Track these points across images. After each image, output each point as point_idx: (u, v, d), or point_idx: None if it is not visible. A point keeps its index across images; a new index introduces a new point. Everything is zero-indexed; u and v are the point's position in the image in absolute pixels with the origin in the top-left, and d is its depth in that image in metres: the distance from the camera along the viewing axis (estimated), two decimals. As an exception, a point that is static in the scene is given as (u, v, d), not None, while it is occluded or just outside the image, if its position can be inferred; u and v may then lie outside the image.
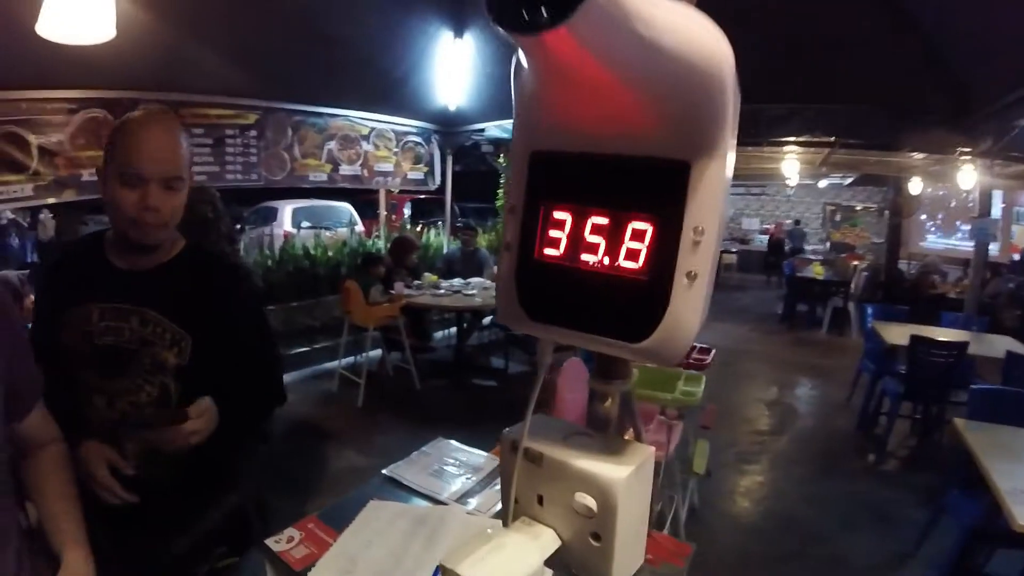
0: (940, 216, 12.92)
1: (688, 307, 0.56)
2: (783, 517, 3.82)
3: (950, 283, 8.93)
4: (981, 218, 6.39)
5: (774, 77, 4.20)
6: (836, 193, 15.72)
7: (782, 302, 10.54)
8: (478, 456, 1.78)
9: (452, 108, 6.12)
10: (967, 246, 10.20)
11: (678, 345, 0.57)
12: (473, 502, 1.54)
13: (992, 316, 6.35)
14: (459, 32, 5.20)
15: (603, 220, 0.59)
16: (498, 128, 6.78)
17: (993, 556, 2.97)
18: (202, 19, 4.09)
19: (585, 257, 0.60)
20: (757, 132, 5.60)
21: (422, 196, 13.67)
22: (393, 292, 5.60)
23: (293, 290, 6.73)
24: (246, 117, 5.52)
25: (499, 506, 1.51)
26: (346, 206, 13.06)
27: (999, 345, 4.93)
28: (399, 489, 1.60)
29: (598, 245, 0.59)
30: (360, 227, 11.58)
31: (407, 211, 13.91)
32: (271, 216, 11.58)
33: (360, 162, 6.56)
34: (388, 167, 6.86)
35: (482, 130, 7.00)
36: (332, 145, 6.23)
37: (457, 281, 6.28)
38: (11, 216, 10.96)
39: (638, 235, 0.57)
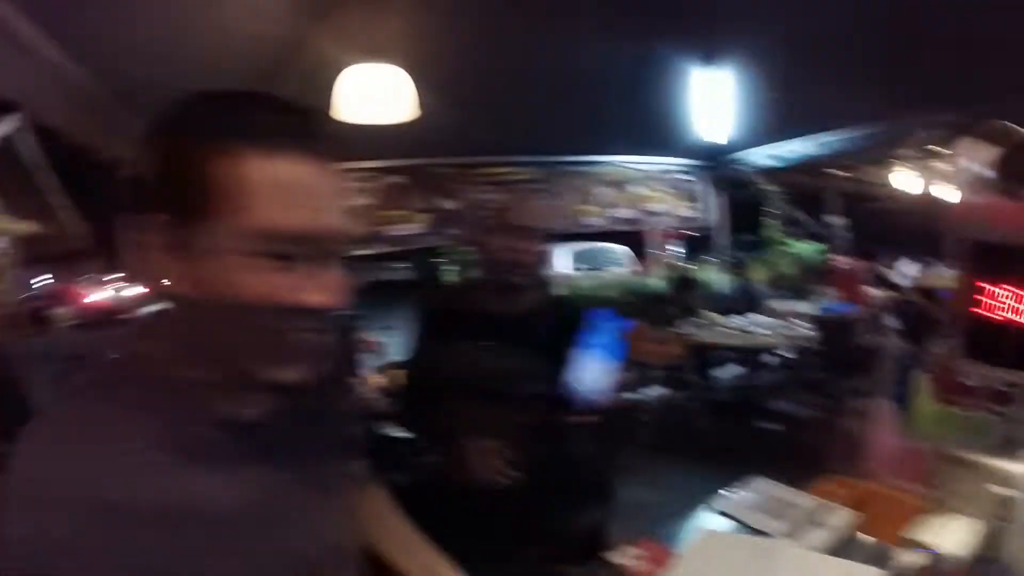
0: None
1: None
2: None
3: None
4: None
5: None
6: None
7: None
8: (799, 495, 1.74)
9: (716, 141, 6.04)
10: None
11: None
12: (800, 539, 1.51)
13: None
14: (714, 64, 5.14)
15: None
16: (766, 155, 6.54)
17: None
18: (484, 90, 4.56)
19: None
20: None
21: (689, 233, 13.53)
22: (679, 330, 5.59)
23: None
24: (527, 174, 5.99)
25: (826, 543, 1.47)
26: (623, 249, 13.34)
27: None
28: (725, 520, 1.62)
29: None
30: (637, 267, 11.73)
31: (678, 249, 13.87)
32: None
33: (632, 205, 6.71)
34: (660, 207, 6.93)
35: (750, 159, 6.80)
36: (606, 191, 6.45)
37: (738, 318, 6.09)
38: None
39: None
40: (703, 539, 1.49)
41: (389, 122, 3.30)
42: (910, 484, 2.50)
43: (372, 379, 3.80)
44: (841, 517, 1.61)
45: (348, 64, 3.23)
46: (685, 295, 6.29)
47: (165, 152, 0.67)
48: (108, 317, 19.22)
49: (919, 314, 4.73)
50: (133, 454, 0.63)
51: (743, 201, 12.56)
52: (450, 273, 7.01)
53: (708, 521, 1.62)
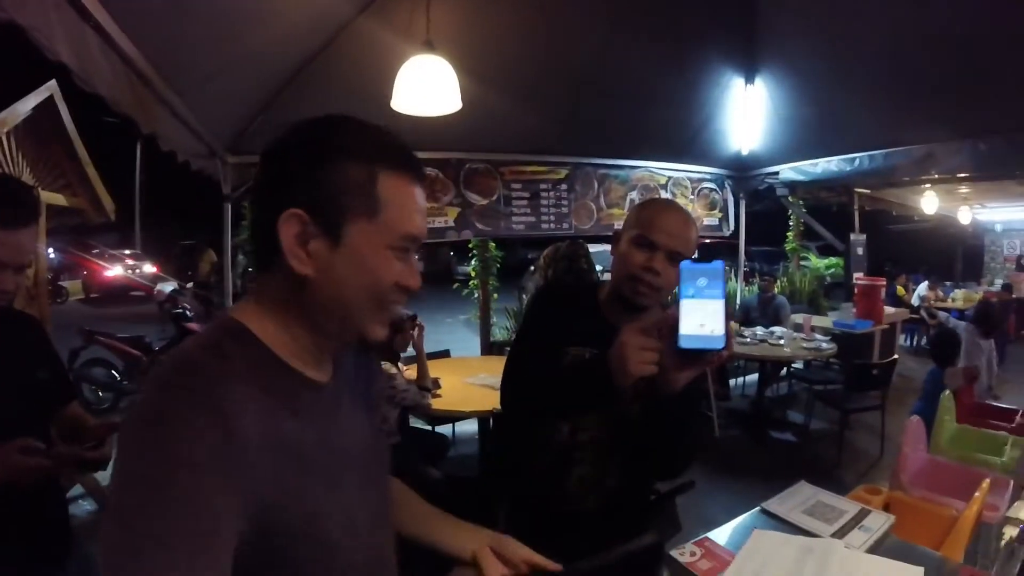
0: None
1: None
2: None
3: None
4: None
5: None
6: None
7: None
8: (841, 499, 1.81)
9: (745, 153, 6.11)
10: None
11: None
12: (844, 539, 1.57)
13: None
14: (751, 78, 5.21)
15: None
16: (793, 170, 6.57)
17: None
18: (521, 89, 4.62)
19: None
20: None
21: (709, 241, 13.57)
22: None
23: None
24: (558, 172, 6.03)
25: (868, 543, 1.54)
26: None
27: None
28: (776, 521, 1.68)
29: None
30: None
31: (696, 257, 13.87)
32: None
33: (658, 210, 6.69)
34: (685, 214, 6.91)
35: (776, 173, 6.84)
36: (634, 195, 6.49)
37: (760, 330, 6.11)
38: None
39: None
40: (757, 539, 1.55)
41: (438, 114, 3.35)
42: (936, 496, 2.57)
43: (406, 372, 3.87)
44: (880, 520, 1.67)
45: (391, 52, 3.29)
46: None
47: (337, 164, 0.85)
48: (124, 292, 19.45)
49: (943, 333, 4.77)
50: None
51: (767, 213, 12.63)
52: (470, 269, 7.03)
53: (757, 522, 1.68)
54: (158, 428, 0.71)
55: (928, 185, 8.66)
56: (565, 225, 6.05)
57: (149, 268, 20.38)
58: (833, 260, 13.59)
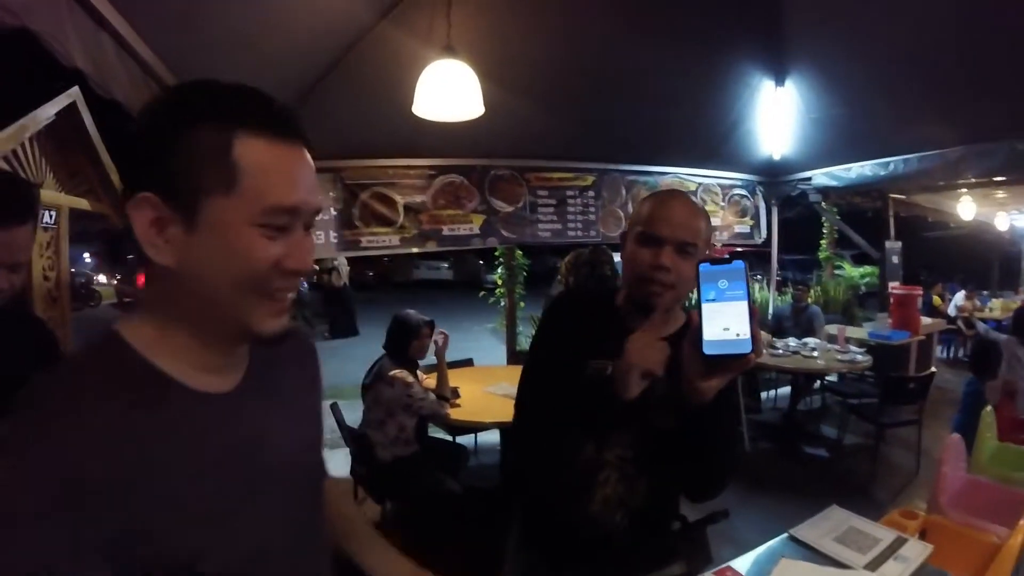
0: None
1: None
2: None
3: None
4: None
5: None
6: None
7: None
8: (875, 526, 1.70)
9: (776, 157, 5.97)
10: None
11: None
12: (878, 571, 1.47)
13: None
14: (780, 80, 5.09)
15: None
16: (826, 175, 6.42)
17: None
18: (546, 94, 4.56)
19: None
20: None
21: (740, 249, 13.37)
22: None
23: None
24: (584, 179, 5.97)
25: (907, 575, 1.44)
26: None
27: None
28: (805, 550, 1.58)
29: None
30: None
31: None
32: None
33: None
34: (715, 221, 6.82)
35: (808, 178, 6.70)
36: (661, 201, 6.36)
37: (793, 341, 5.95)
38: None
39: None
40: (784, 570, 1.46)
41: (459, 119, 3.33)
42: (976, 520, 2.44)
43: (425, 380, 3.82)
44: (916, 549, 1.57)
45: (413, 58, 3.26)
46: None
47: (185, 132, 0.72)
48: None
49: (983, 343, 4.59)
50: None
51: (799, 221, 12.41)
52: (496, 276, 6.99)
53: (785, 549, 1.59)
54: None
55: (964, 190, 8.44)
56: (592, 232, 5.98)
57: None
58: (868, 269, 13.25)
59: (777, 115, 5.35)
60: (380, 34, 3.76)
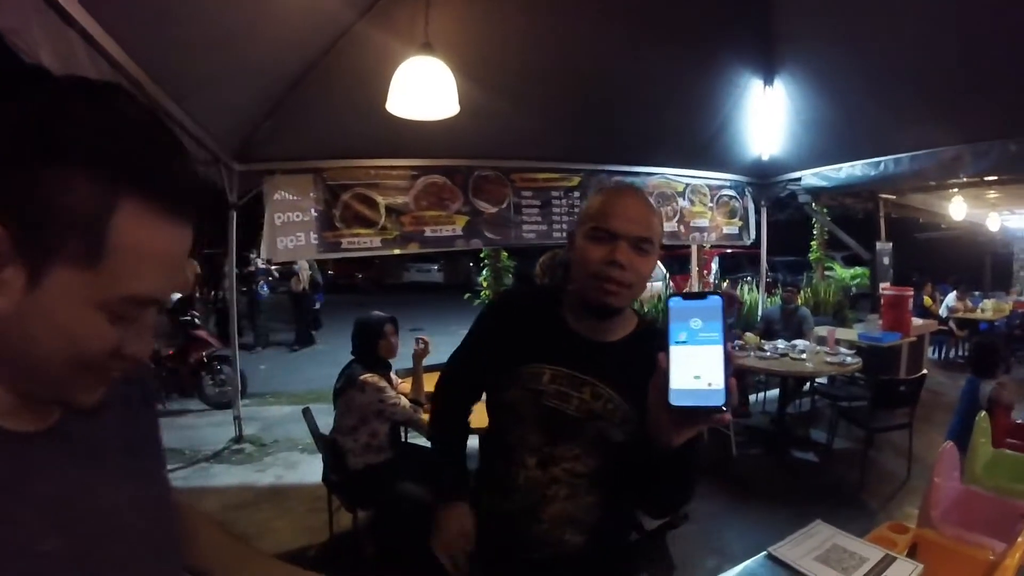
0: None
1: None
2: None
3: None
4: None
5: None
6: None
7: None
8: (861, 544, 1.60)
9: (765, 158, 5.90)
10: None
11: None
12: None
13: None
14: (769, 80, 5.02)
15: None
16: (816, 176, 6.35)
17: None
18: (529, 93, 4.47)
19: None
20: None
21: (730, 251, 13.31)
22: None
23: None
24: (570, 180, 5.91)
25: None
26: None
27: None
28: (784, 570, 1.48)
29: None
30: (671, 283, 11.53)
31: (714, 266, 13.61)
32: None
33: (676, 218, 6.59)
34: (704, 222, 6.80)
35: (798, 179, 6.63)
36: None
37: (782, 343, 5.85)
38: (262, 265, 10.80)
39: None
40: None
41: (435, 118, 3.23)
42: (970, 535, 2.34)
43: (401, 385, 3.72)
44: (905, 569, 1.46)
45: (393, 57, 3.17)
46: (727, 312, 6.11)
47: (61, 172, 0.56)
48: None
49: (984, 342, 4.48)
50: None
51: (790, 223, 12.36)
52: (482, 279, 6.91)
53: (762, 570, 1.48)
54: None
55: (956, 190, 8.40)
56: (578, 233, 5.85)
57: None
58: (859, 270, 13.22)
59: (766, 115, 5.28)
60: (360, 32, 3.69)
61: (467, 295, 7.44)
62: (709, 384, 0.96)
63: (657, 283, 10.75)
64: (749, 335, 6.09)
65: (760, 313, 7.54)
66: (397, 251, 5.43)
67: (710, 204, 6.79)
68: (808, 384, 6.36)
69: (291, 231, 5.06)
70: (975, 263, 16.56)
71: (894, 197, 9.00)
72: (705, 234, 6.90)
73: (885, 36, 4.05)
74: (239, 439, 5.55)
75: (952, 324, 9.61)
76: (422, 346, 3.63)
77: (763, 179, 6.95)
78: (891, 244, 8.43)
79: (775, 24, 4.46)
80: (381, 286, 24.13)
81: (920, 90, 4.41)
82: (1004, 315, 10.13)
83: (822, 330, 6.45)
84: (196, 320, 7.16)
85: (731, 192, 6.96)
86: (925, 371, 5.26)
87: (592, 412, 1.37)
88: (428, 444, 4.33)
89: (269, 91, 3.99)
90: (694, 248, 8.25)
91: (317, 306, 12.42)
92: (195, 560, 0.94)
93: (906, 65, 4.22)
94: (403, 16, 3.53)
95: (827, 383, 6.28)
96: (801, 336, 6.28)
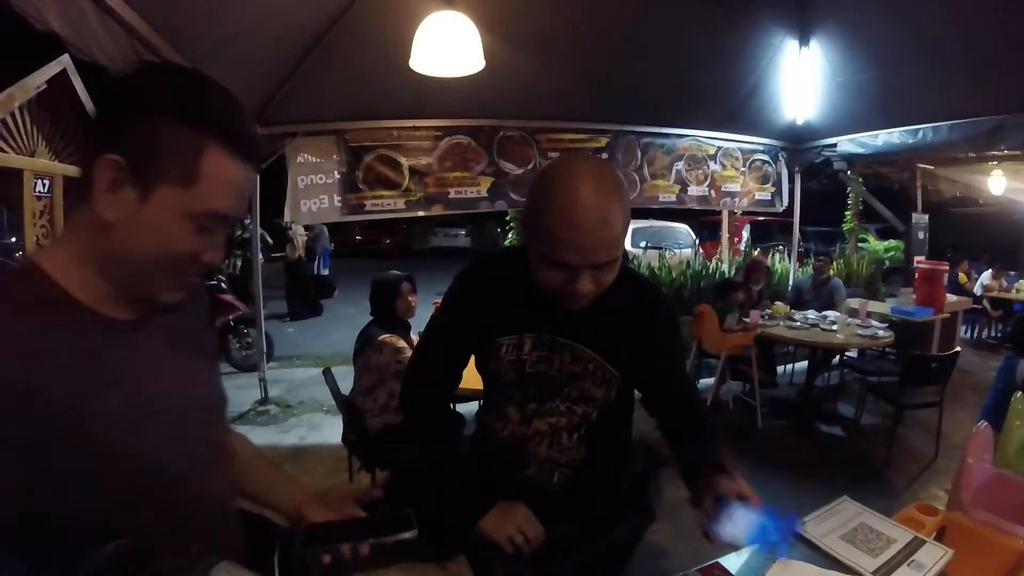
0: None
1: None
2: None
3: None
4: None
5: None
6: None
7: None
8: (889, 524, 1.52)
9: (800, 122, 5.69)
10: None
11: None
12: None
13: None
14: (805, 40, 4.81)
15: None
16: (852, 142, 6.15)
17: None
18: (555, 51, 4.33)
19: None
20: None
21: (761, 218, 13.07)
22: (748, 320, 5.34)
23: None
24: (598, 141, 5.79)
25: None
26: (685, 228, 12.99)
27: None
28: (807, 548, 1.41)
29: None
30: (700, 248, 11.36)
31: (745, 234, 13.38)
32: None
33: (707, 183, 6.45)
34: (735, 187, 6.64)
35: (833, 145, 6.43)
36: (680, 166, 6.22)
37: (812, 314, 5.73)
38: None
39: None
40: (777, 571, 1.29)
41: (459, 74, 3.14)
42: (1002, 521, 2.25)
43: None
44: (934, 554, 1.39)
45: (415, 13, 3.09)
46: (755, 278, 6.02)
47: (166, 123, 0.82)
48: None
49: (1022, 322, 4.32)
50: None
51: (824, 193, 12.08)
52: (509, 242, 6.83)
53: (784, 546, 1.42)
54: None
55: (996, 163, 8.11)
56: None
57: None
58: (893, 243, 12.96)
59: (801, 77, 5.08)
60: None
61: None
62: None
63: (686, 250, 10.59)
64: (778, 304, 5.97)
65: (791, 283, 7.38)
66: (421, 213, 5.38)
67: (742, 168, 6.62)
68: (837, 357, 6.23)
69: (314, 194, 5.03)
70: (1012, 242, 16.09)
71: (932, 168, 8.75)
72: (736, 199, 6.74)
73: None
74: (264, 401, 5.61)
75: (986, 303, 9.34)
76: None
77: (797, 144, 6.75)
78: (927, 216, 8.20)
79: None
80: (408, 251, 24.18)
81: (962, 55, 4.21)
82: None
83: (853, 302, 6.29)
84: (223, 284, 7.21)
85: (764, 157, 6.77)
86: (958, 348, 5.11)
87: (574, 374, 1.40)
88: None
89: (288, 51, 3.91)
90: (725, 214, 8.09)
91: (326, 272, 12.10)
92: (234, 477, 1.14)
93: (948, 27, 4.03)
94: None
95: (857, 357, 6.15)
96: (832, 307, 6.14)
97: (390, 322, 3.42)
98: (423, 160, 5.22)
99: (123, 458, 0.85)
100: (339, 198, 5.09)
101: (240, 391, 5.71)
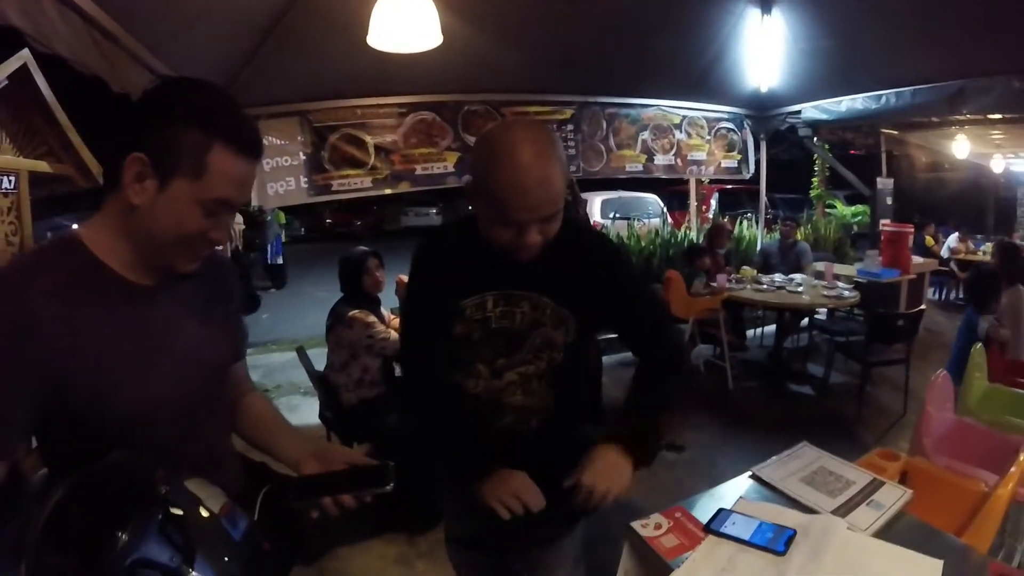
0: None
1: None
2: None
3: None
4: None
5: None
6: None
7: None
8: (849, 467, 1.57)
9: (764, 90, 5.70)
10: None
11: None
12: (848, 518, 1.33)
13: None
14: (767, 8, 4.80)
15: None
16: (816, 109, 6.18)
17: None
18: (515, 23, 4.28)
19: None
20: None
21: (730, 187, 13.15)
22: (715, 284, 5.40)
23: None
24: (563, 112, 5.75)
25: (877, 524, 1.31)
26: (654, 197, 13.03)
27: None
28: (767, 490, 1.45)
29: None
30: (669, 217, 11.42)
31: (714, 203, 13.45)
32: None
33: (673, 151, 6.43)
34: (701, 156, 6.64)
35: (798, 112, 6.47)
36: (646, 135, 6.20)
37: (779, 276, 5.81)
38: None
39: None
40: (738, 510, 1.32)
41: (417, 50, 3.11)
42: (962, 465, 2.32)
43: (393, 321, 3.69)
44: (894, 494, 1.43)
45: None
46: (718, 242, 6.12)
47: (182, 128, 1.01)
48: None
49: (980, 273, 4.41)
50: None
51: (792, 161, 12.18)
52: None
53: (746, 490, 1.45)
54: None
55: (958, 127, 8.24)
56: (572, 167, 5.76)
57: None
58: (860, 208, 13.11)
59: (764, 45, 5.07)
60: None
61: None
62: None
63: (655, 219, 10.65)
64: (746, 268, 6.05)
65: (759, 247, 7.47)
66: (388, 191, 5.33)
67: (708, 137, 6.63)
68: (806, 320, 6.33)
69: (280, 176, 4.95)
70: (978, 205, 16.36)
71: (896, 133, 8.85)
72: (703, 168, 6.75)
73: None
74: (242, 386, 5.55)
75: (953, 265, 9.51)
76: (398, 283, 3.59)
77: (762, 112, 6.74)
78: (892, 181, 8.30)
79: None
80: (380, 232, 23.98)
81: (923, 20, 4.22)
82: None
83: (820, 265, 6.39)
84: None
85: (729, 125, 6.78)
86: (923, 306, 5.22)
87: (535, 321, 1.47)
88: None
89: (245, 35, 3.82)
90: (692, 183, 8.13)
91: (280, 261, 11.75)
92: (239, 424, 1.38)
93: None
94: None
95: (826, 319, 6.25)
96: (799, 270, 6.24)
97: (359, 297, 3.43)
98: (388, 138, 5.16)
99: (125, 392, 1.05)
100: (305, 179, 5.02)
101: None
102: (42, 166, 2.78)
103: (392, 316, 3.73)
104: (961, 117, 6.61)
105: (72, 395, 1.00)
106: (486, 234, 1.35)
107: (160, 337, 1.12)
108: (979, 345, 3.49)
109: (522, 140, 1.26)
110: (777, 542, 1.20)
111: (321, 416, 3.63)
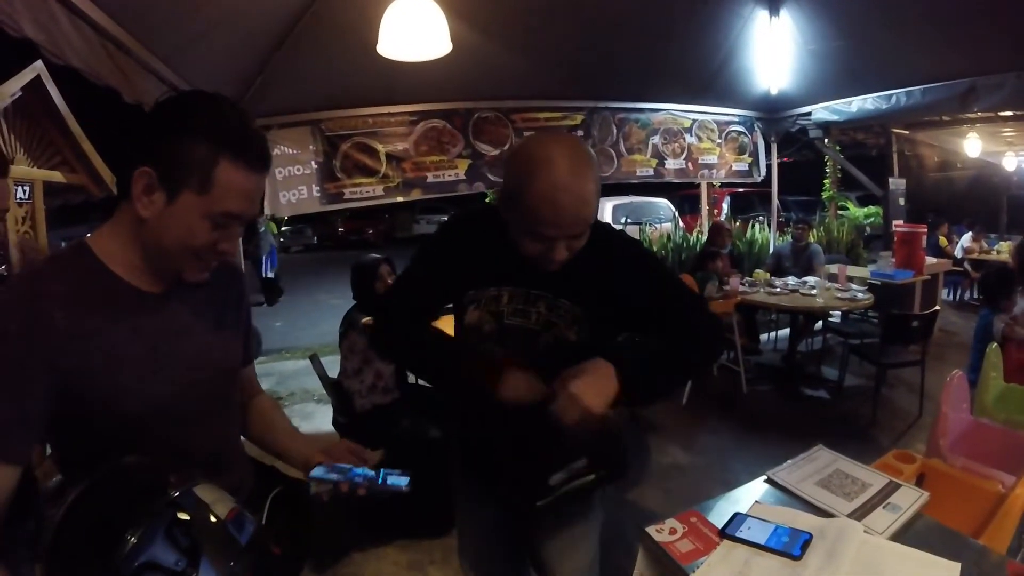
0: None
1: None
2: None
3: None
4: None
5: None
6: None
7: None
8: (865, 470, 1.56)
9: (774, 92, 5.70)
10: None
11: None
12: (864, 521, 1.33)
13: None
14: (775, 10, 4.79)
15: None
16: (826, 110, 6.15)
17: None
18: (524, 30, 4.30)
19: None
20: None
21: (741, 190, 13.10)
22: (728, 288, 5.39)
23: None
24: (573, 118, 5.76)
25: (894, 527, 1.30)
26: (665, 202, 13.00)
27: None
28: (783, 493, 1.44)
29: None
30: (680, 222, 11.39)
31: (725, 206, 13.39)
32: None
33: (684, 155, 6.43)
34: (712, 159, 6.63)
35: (808, 114, 6.45)
36: (656, 140, 6.20)
37: (792, 279, 5.78)
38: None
39: None
40: (753, 514, 1.32)
41: (427, 57, 3.13)
42: (979, 466, 2.30)
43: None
44: (910, 497, 1.42)
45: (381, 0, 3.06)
46: (719, 241, 6.12)
47: (189, 143, 1.03)
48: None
49: (994, 270, 4.36)
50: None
51: (803, 163, 12.11)
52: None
53: (762, 494, 1.45)
54: None
55: (970, 126, 8.18)
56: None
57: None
58: (873, 209, 13.02)
59: (773, 47, 5.07)
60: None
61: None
62: None
63: (667, 224, 10.62)
64: (759, 271, 6.02)
65: (771, 250, 7.43)
66: (400, 198, 5.35)
67: (718, 140, 6.61)
68: (820, 322, 6.30)
69: (293, 185, 4.99)
70: (991, 204, 16.21)
71: (907, 132, 8.79)
72: (714, 171, 6.74)
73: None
74: (255, 393, 5.58)
75: (967, 265, 9.43)
76: None
77: (772, 114, 6.73)
78: (904, 180, 8.25)
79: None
80: (391, 239, 24.09)
81: (932, 19, 4.20)
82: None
83: (833, 267, 6.36)
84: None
85: (739, 128, 6.77)
86: (937, 307, 5.18)
87: (549, 322, 1.45)
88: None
89: (257, 44, 3.85)
90: (703, 186, 8.11)
91: (271, 275, 11.71)
92: (247, 425, 1.42)
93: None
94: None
95: (839, 321, 6.21)
96: (812, 273, 6.19)
97: (371, 304, 3.44)
98: (399, 146, 5.19)
99: (136, 394, 1.07)
100: (318, 188, 5.05)
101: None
102: (56, 176, 2.83)
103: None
104: (972, 115, 6.56)
105: (84, 397, 1.02)
106: (515, 240, 1.36)
107: (170, 341, 1.14)
108: (994, 345, 3.46)
109: (560, 157, 1.24)
110: (793, 546, 1.20)
111: (334, 422, 3.64)
